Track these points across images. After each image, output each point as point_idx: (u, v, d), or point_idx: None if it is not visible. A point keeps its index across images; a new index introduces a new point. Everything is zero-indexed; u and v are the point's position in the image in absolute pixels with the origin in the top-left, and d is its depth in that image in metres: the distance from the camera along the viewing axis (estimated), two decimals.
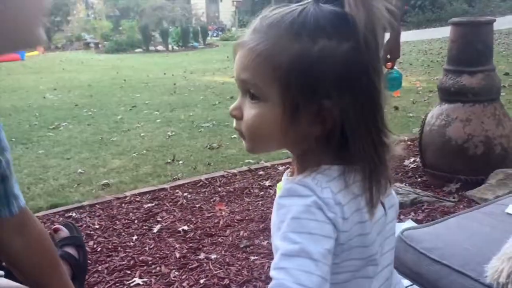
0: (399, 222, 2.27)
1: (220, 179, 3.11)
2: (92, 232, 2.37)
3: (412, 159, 3.28)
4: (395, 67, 2.17)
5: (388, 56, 2.09)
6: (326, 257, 0.62)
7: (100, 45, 17.63)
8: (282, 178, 0.77)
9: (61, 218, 2.57)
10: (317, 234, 0.62)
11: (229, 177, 3.14)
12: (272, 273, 0.61)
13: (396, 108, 5.12)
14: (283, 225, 0.63)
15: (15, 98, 7.18)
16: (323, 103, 0.64)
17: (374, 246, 0.69)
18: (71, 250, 1.14)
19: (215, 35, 21.91)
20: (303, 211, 0.63)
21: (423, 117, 4.68)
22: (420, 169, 3.03)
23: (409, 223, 2.02)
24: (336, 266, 0.66)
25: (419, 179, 2.92)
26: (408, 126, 4.45)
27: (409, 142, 3.74)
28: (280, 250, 0.62)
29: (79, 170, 3.50)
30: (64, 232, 0.98)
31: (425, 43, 12.80)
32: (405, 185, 2.79)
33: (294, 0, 0.70)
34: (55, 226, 1.01)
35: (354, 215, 0.66)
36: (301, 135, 0.67)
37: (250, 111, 0.69)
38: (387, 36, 2.07)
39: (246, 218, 2.47)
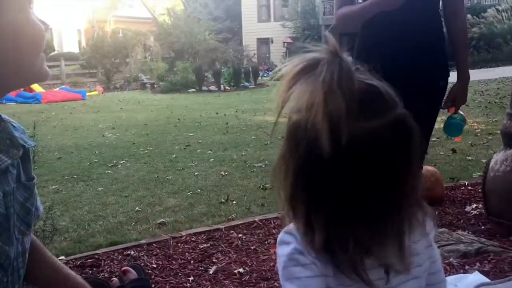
0: (464, 273, 2.17)
1: (275, 220, 3.09)
2: (149, 271, 2.40)
3: (474, 205, 3.15)
4: (459, 112, 2.11)
5: (454, 100, 2.06)
6: None
7: (155, 85, 18.33)
8: None
9: (120, 256, 2.63)
10: (303, 277, 0.67)
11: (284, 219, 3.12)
12: None
13: (454, 151, 4.97)
14: (280, 275, 0.71)
15: (76, 136, 7.55)
16: None
17: None
18: None
19: (265, 75, 22.32)
20: (288, 259, 0.69)
21: (483, 161, 4.54)
22: (483, 217, 2.90)
23: (476, 275, 1.92)
24: None
25: (482, 227, 2.78)
26: (467, 170, 4.29)
27: (469, 187, 3.61)
28: None
29: (137, 208, 3.60)
30: (133, 274, 1.00)
31: (481, 83, 12.46)
32: (468, 233, 2.67)
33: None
34: (124, 268, 1.03)
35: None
36: None
37: None
38: (454, 78, 2.04)
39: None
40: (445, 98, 2.07)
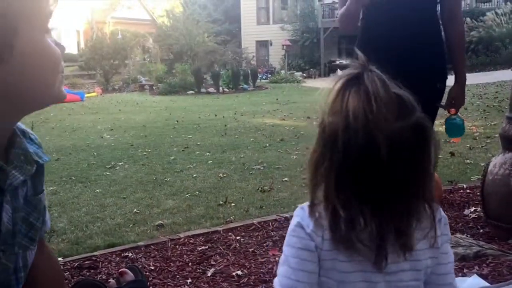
0: (463, 276, 2.16)
1: (273, 223, 3.09)
2: (147, 273, 2.39)
3: (472, 209, 3.14)
4: (458, 114, 2.13)
5: (453, 102, 2.07)
6: (304, 265, 0.81)
7: (154, 87, 18.33)
8: None
9: (117, 258, 2.62)
10: (296, 247, 0.81)
11: (282, 222, 3.11)
12: (277, 280, 0.84)
13: (452, 154, 4.97)
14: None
15: (75, 137, 7.54)
16: None
17: (350, 276, 0.81)
18: None
19: (264, 77, 22.33)
20: (291, 229, 0.84)
21: (482, 164, 4.54)
22: (482, 220, 2.90)
23: (475, 279, 1.92)
24: (321, 275, 0.83)
25: (481, 230, 2.78)
26: (466, 173, 4.29)
27: (468, 191, 3.61)
28: (280, 258, 0.86)
29: (135, 210, 3.59)
30: (130, 276, 1.00)
31: (479, 87, 12.49)
32: (467, 236, 2.67)
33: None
34: (121, 270, 1.03)
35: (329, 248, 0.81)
36: None
37: None
38: (452, 81, 2.05)
39: None
40: (445, 100, 2.07)
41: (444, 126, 2.17)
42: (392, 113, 0.78)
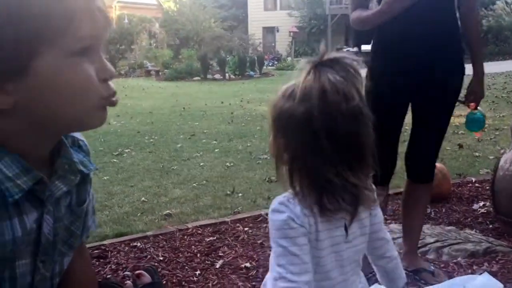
0: (472, 273, 2.16)
1: None
2: (156, 264, 2.40)
3: (481, 203, 3.13)
4: (479, 108, 2.09)
5: (472, 96, 2.03)
6: (303, 249, 0.94)
7: (160, 73, 18.28)
8: None
9: (126, 248, 2.63)
10: (294, 236, 0.94)
11: None
12: (275, 268, 0.94)
13: (461, 146, 4.94)
14: (272, 234, 0.97)
15: None
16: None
17: (323, 252, 0.98)
18: None
19: (271, 64, 22.23)
20: (283, 224, 0.95)
21: (491, 157, 4.51)
22: (491, 215, 2.88)
23: (485, 276, 1.91)
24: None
25: (490, 226, 2.77)
26: (474, 166, 4.27)
27: (477, 184, 3.59)
28: (275, 252, 0.96)
29: (142, 199, 3.60)
30: (147, 278, 1.00)
31: (488, 77, 12.35)
32: (476, 231, 2.66)
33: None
34: (138, 272, 1.03)
35: (313, 222, 0.96)
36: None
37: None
38: (470, 76, 2.02)
39: None
40: (464, 94, 2.05)
41: (465, 120, 2.14)
42: (341, 98, 0.92)
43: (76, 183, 0.84)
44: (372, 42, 2.08)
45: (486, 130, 5.88)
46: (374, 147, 1.01)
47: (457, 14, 1.98)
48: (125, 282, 1.01)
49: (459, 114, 2.09)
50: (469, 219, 2.89)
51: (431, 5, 1.86)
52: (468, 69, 2.04)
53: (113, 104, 0.79)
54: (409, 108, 2.09)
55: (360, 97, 0.94)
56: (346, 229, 1.00)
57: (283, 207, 0.96)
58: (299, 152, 0.94)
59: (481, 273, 2.02)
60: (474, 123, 2.10)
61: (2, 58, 0.65)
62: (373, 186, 1.05)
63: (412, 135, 2.12)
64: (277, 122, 0.98)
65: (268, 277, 1.03)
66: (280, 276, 0.92)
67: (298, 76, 0.94)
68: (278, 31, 27.45)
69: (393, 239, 2.54)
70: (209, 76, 17.23)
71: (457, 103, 2.04)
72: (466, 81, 2.06)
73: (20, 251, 0.74)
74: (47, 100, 0.71)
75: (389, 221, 2.78)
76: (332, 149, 0.92)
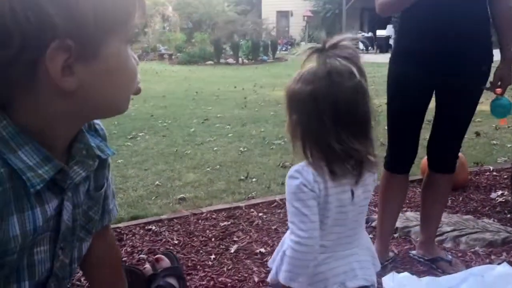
0: (490, 263, 2.13)
1: None
2: (171, 248, 2.41)
3: (499, 192, 3.09)
4: (505, 95, 2.03)
5: (499, 82, 1.98)
6: (312, 210, 1.10)
7: (173, 56, 18.25)
8: None
9: (141, 231, 2.64)
10: (305, 199, 1.10)
11: None
12: (289, 224, 1.13)
13: (478, 134, 4.87)
14: (288, 196, 1.13)
15: None
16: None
17: (330, 212, 1.14)
18: (172, 281, 1.14)
19: (284, 49, 22.06)
20: (297, 188, 1.11)
21: (508, 145, 4.44)
22: (509, 204, 2.85)
23: (504, 266, 1.88)
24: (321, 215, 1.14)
25: (508, 215, 2.73)
26: (492, 155, 4.20)
27: (494, 173, 3.54)
28: (289, 212, 1.13)
29: (156, 182, 3.60)
30: (166, 262, 1.00)
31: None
32: (494, 221, 2.62)
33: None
34: (157, 256, 1.02)
35: (323, 187, 1.12)
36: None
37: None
38: (497, 61, 1.96)
39: None
40: (491, 80, 1.99)
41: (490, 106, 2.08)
42: (346, 77, 1.06)
43: (94, 168, 0.83)
44: (398, 22, 2.03)
45: None
46: (371, 118, 1.14)
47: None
48: (144, 267, 1.00)
49: (480, 101, 2.02)
50: (486, 208, 2.85)
51: None
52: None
53: (138, 91, 0.79)
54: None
55: (360, 73, 1.07)
56: (352, 193, 1.16)
57: (297, 174, 1.12)
58: (308, 126, 1.10)
59: (499, 263, 1.99)
60: (500, 110, 2.04)
61: (81, 37, 0.64)
62: (375, 153, 1.20)
63: (435, 124, 2.07)
64: (290, 102, 1.13)
65: (287, 235, 1.21)
66: (291, 232, 1.12)
67: (308, 62, 1.11)
68: (292, 15, 27.16)
69: (409, 227, 2.53)
70: (222, 60, 17.17)
71: (483, 89, 1.99)
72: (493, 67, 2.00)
73: (39, 238, 0.73)
74: (105, 85, 0.71)
75: (404, 209, 2.76)
76: (335, 120, 1.07)
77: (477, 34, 1.88)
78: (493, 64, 1.97)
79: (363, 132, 1.12)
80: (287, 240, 1.15)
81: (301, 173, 1.11)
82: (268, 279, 1.32)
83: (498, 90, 1.98)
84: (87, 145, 0.79)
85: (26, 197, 0.69)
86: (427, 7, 1.83)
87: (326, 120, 1.06)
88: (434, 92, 2.01)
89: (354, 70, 1.06)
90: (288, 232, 1.16)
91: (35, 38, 0.61)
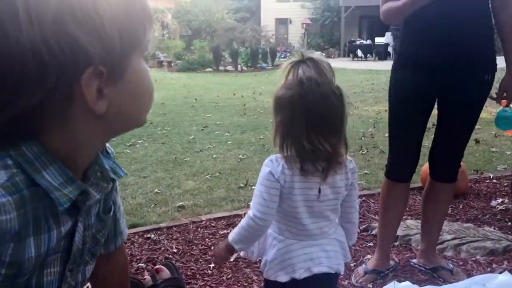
0: (492, 272, 2.12)
1: None
2: (170, 256, 2.39)
3: (499, 200, 3.08)
4: (510, 106, 2.02)
5: (505, 93, 1.97)
6: (272, 197, 1.27)
7: (172, 64, 18.28)
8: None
9: (140, 239, 2.62)
10: (268, 187, 1.27)
11: None
12: (251, 205, 1.32)
13: (477, 141, 4.87)
14: (258, 179, 1.31)
15: None
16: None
17: (296, 203, 1.30)
18: None
19: (283, 56, 22.11)
20: (265, 175, 1.28)
21: (508, 153, 4.44)
22: (510, 212, 2.84)
23: (506, 275, 1.87)
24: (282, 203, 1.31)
25: (509, 223, 2.72)
26: (492, 162, 4.20)
27: (494, 181, 3.53)
28: (254, 193, 1.31)
29: (155, 190, 3.59)
30: (166, 273, 0.98)
31: (503, 70, 12.16)
32: (495, 229, 2.61)
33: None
34: (157, 267, 1.01)
35: (289, 180, 1.28)
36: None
37: None
38: (500, 69, 1.95)
39: None
40: (497, 91, 1.98)
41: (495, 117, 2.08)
42: (315, 84, 1.23)
43: (108, 191, 0.83)
44: (401, 31, 2.02)
45: None
46: (343, 121, 1.27)
47: (490, 8, 1.92)
48: (144, 277, 0.99)
49: None
50: (487, 216, 2.84)
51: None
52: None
53: None
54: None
55: (328, 82, 1.24)
56: (319, 191, 1.30)
57: (270, 163, 1.29)
58: (286, 126, 1.26)
59: (501, 272, 1.98)
60: (506, 121, 2.03)
61: (110, 60, 0.64)
62: (344, 154, 1.31)
63: (438, 132, 2.06)
64: (274, 105, 1.31)
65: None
66: (251, 207, 1.31)
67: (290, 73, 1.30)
68: (291, 22, 27.27)
69: (410, 235, 2.52)
70: (221, 67, 17.19)
71: (487, 98, 1.98)
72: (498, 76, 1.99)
73: (50, 259, 0.73)
74: (131, 102, 0.71)
75: (405, 217, 2.74)
76: (307, 123, 1.23)
77: (480, 43, 1.87)
78: (496, 72, 1.97)
79: (334, 134, 1.26)
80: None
81: (273, 162, 1.29)
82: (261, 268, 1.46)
83: (504, 102, 1.97)
84: (101, 167, 0.78)
85: (44, 219, 0.69)
86: (430, 15, 1.83)
87: (300, 122, 1.23)
88: (436, 100, 2.00)
89: (324, 79, 1.24)
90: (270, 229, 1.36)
91: (71, 68, 0.62)
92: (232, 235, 1.35)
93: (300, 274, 1.31)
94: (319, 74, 1.24)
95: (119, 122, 0.73)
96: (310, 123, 1.23)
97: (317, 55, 1.31)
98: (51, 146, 0.68)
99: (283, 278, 1.33)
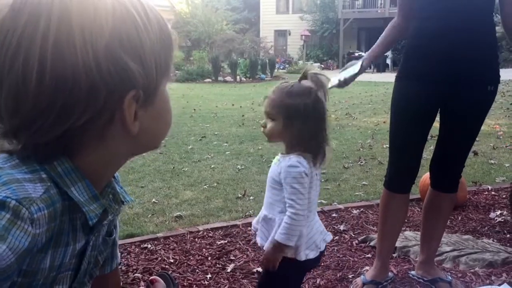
0: (491, 284, 2.10)
1: None
2: (167, 267, 2.37)
3: (498, 212, 3.07)
4: (501, 99, 2.02)
5: None
6: (306, 190, 1.48)
7: (171, 74, 18.31)
8: (278, 156, 1.56)
9: (137, 249, 2.60)
10: (304, 183, 1.48)
11: None
12: (287, 201, 1.49)
13: (476, 153, 4.87)
14: (287, 179, 1.48)
15: None
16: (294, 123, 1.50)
17: (310, 194, 1.53)
18: None
19: (282, 67, 22.19)
20: (299, 173, 1.46)
21: (506, 165, 4.44)
22: (508, 224, 2.82)
23: (505, 287, 1.85)
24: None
25: (508, 235, 2.71)
26: (490, 174, 4.19)
27: (493, 193, 3.52)
28: (288, 192, 1.48)
29: (153, 200, 3.57)
30: (161, 284, 0.97)
31: (503, 84, 12.20)
32: (493, 241, 2.60)
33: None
34: (152, 277, 0.99)
35: (310, 172, 1.50)
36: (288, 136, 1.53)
37: (269, 124, 1.54)
38: (505, 85, 1.95)
39: (322, 264, 2.38)
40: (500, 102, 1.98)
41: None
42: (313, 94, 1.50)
43: (119, 213, 0.84)
44: (405, 42, 2.03)
45: (501, 137, 5.81)
46: (324, 126, 1.52)
47: (495, 18, 1.93)
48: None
49: None
50: (486, 228, 2.83)
51: (466, 12, 1.81)
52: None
53: None
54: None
55: (317, 94, 1.49)
56: (316, 175, 1.55)
57: (299, 163, 1.47)
58: (301, 129, 1.48)
59: (500, 284, 1.96)
60: None
61: (148, 85, 0.67)
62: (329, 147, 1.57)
63: (440, 143, 2.05)
64: (284, 112, 1.51)
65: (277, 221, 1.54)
66: (290, 205, 1.48)
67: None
68: (290, 34, 27.41)
69: (408, 246, 2.50)
70: (220, 78, 17.23)
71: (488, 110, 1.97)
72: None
73: (61, 276, 0.74)
74: (157, 125, 0.74)
75: (403, 228, 2.73)
76: (309, 125, 1.47)
77: (484, 53, 1.87)
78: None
79: (325, 135, 1.54)
80: (281, 216, 1.51)
81: (301, 163, 1.47)
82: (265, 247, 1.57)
83: None
84: (114, 189, 0.80)
85: (66, 234, 0.70)
86: (434, 28, 1.83)
87: (305, 125, 1.47)
88: (438, 111, 2.00)
89: (313, 91, 1.49)
90: (277, 217, 1.52)
91: (119, 90, 0.64)
92: (281, 235, 1.48)
93: (322, 246, 1.59)
94: (312, 86, 1.52)
95: (143, 143, 0.75)
96: (318, 125, 1.50)
97: (313, 71, 1.56)
98: (82, 163, 0.70)
99: (311, 254, 1.55)
